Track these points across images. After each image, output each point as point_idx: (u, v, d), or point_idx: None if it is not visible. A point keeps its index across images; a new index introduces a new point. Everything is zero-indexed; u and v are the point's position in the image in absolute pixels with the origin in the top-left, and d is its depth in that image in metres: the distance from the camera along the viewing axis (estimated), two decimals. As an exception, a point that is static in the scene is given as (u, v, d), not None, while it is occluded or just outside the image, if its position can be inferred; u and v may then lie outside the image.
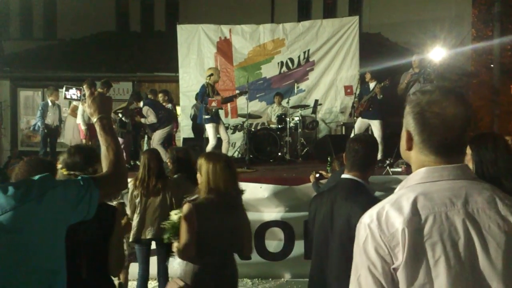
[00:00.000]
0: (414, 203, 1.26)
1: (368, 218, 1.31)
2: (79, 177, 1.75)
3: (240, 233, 3.10)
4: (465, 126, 1.33)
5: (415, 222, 1.23)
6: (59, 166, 2.62)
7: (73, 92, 2.25)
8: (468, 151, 2.50)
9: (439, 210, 1.24)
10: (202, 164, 3.05)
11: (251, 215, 5.97)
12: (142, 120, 8.59)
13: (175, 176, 4.83)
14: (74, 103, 9.04)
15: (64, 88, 2.26)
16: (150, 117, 8.46)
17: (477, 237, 1.22)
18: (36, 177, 1.63)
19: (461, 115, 1.31)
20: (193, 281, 2.95)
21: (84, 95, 2.06)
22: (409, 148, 1.39)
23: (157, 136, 8.55)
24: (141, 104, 8.75)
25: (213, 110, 7.66)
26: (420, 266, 1.21)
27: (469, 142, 2.55)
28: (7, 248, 1.47)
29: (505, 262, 1.21)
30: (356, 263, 1.31)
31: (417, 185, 1.32)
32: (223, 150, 7.95)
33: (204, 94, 7.79)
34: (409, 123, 1.37)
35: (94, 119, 1.98)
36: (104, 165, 1.92)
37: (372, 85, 8.20)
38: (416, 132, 1.35)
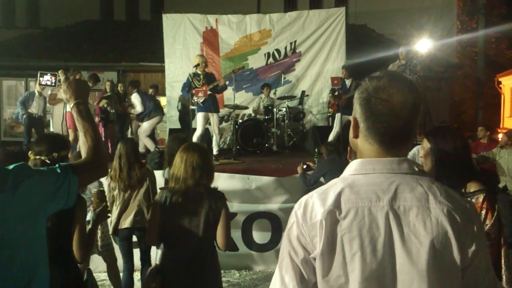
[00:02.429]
0: (339, 196, 1.23)
1: (297, 205, 1.30)
2: (57, 165, 1.71)
3: (212, 226, 3.04)
4: (413, 115, 1.27)
5: (335, 215, 1.21)
6: (30, 152, 2.68)
7: (47, 78, 2.20)
8: (426, 144, 2.50)
9: (362, 204, 1.21)
10: (177, 154, 3.13)
11: (238, 207, 6.01)
12: (132, 110, 8.56)
13: (167, 169, 4.77)
14: (50, 91, 8.90)
15: (38, 74, 2.21)
16: (137, 107, 8.45)
17: (399, 236, 1.19)
18: (11, 166, 1.58)
19: (409, 103, 1.26)
20: (165, 271, 3.05)
21: (59, 80, 1.99)
22: (355, 135, 1.34)
23: (143, 127, 8.50)
24: (134, 91, 8.67)
25: (201, 101, 7.56)
26: (336, 258, 1.20)
27: (426, 136, 2.54)
28: None
29: (429, 263, 1.18)
30: (282, 247, 1.30)
31: (349, 177, 1.29)
32: (213, 144, 7.92)
33: (189, 86, 7.69)
34: (356, 109, 1.33)
35: (71, 105, 1.94)
36: (83, 152, 1.88)
37: (348, 82, 8.24)
38: (362, 119, 1.30)
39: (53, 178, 1.64)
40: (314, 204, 1.25)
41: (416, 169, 1.34)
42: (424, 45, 9.07)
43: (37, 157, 2.64)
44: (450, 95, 16.31)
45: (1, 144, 13.08)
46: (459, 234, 1.20)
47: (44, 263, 1.64)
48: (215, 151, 7.83)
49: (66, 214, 2.66)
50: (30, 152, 2.70)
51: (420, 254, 1.18)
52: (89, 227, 3.03)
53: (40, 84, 2.21)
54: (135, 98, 8.52)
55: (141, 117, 8.61)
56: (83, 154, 1.87)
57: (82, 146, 1.89)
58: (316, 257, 1.21)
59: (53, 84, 2.17)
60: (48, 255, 1.68)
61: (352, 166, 1.32)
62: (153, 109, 8.71)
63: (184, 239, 3.02)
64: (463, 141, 2.47)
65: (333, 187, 1.27)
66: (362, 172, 1.29)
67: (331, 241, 1.20)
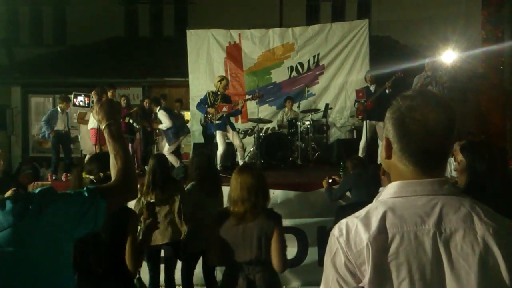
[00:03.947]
0: (383, 220, 1.19)
1: (337, 231, 1.25)
2: (84, 188, 1.68)
3: (265, 247, 3.05)
4: (448, 134, 1.25)
5: (381, 241, 1.17)
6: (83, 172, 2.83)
7: (81, 99, 2.24)
8: (462, 159, 2.43)
9: (408, 229, 1.18)
10: (232, 176, 3.22)
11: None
12: (160, 126, 8.56)
13: (191, 184, 4.78)
14: (80, 110, 9.04)
15: (72, 95, 2.24)
16: (165, 123, 8.42)
17: (447, 259, 1.15)
18: (37, 190, 1.56)
19: (444, 122, 1.23)
20: None
21: (92, 101, 2.01)
22: (388, 156, 1.31)
23: (167, 145, 8.51)
24: (157, 109, 8.70)
25: (218, 118, 7.65)
26: (385, 285, 1.16)
27: (461, 150, 2.48)
28: (8, 265, 1.42)
29: (479, 286, 1.13)
30: (326, 275, 1.26)
31: (389, 200, 1.25)
32: (239, 158, 7.95)
33: (205, 103, 7.80)
34: (388, 129, 1.30)
35: (103, 126, 1.93)
36: (113, 174, 1.87)
37: (372, 87, 8.22)
38: (395, 139, 1.27)
39: (79, 202, 1.62)
40: (358, 229, 1.21)
41: None
42: (449, 56, 8.97)
43: (88, 176, 2.79)
44: (476, 106, 16.03)
45: (30, 160, 13.34)
46: (507, 254, 1.16)
47: (69, 287, 1.62)
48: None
49: (120, 229, 2.83)
50: (83, 171, 2.83)
51: (470, 278, 1.15)
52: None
53: (74, 105, 2.25)
54: (162, 115, 8.50)
55: (171, 133, 8.53)
56: (113, 176, 1.86)
57: (112, 168, 1.87)
58: (365, 286, 1.18)
59: (86, 105, 2.21)
60: (85, 263, 1.68)
61: (392, 189, 1.28)
62: (180, 129, 8.73)
63: (240, 260, 3.08)
64: (500, 158, 2.38)
65: (374, 211, 1.23)
66: (403, 195, 1.25)
67: (378, 268, 1.16)
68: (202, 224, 4.41)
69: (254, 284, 3.03)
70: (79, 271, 2.70)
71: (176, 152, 9.03)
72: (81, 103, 2.22)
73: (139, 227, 3.28)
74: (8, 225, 1.43)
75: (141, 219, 3.38)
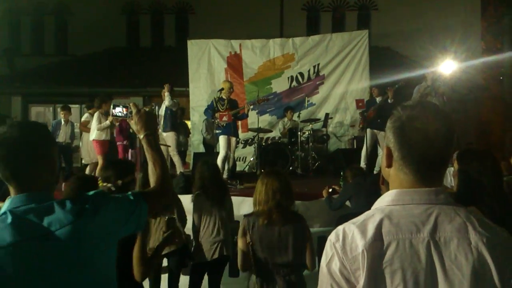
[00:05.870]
0: (379, 227, 1.21)
1: (334, 237, 1.27)
2: (129, 192, 1.81)
3: (299, 247, 3.20)
4: (447, 144, 1.27)
5: (376, 247, 1.19)
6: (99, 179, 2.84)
7: (119, 110, 2.34)
8: (455, 165, 2.47)
9: (403, 236, 1.20)
10: (258, 179, 3.40)
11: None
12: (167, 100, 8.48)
13: (196, 193, 4.75)
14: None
15: (111, 106, 2.35)
16: (169, 102, 8.44)
17: (441, 268, 1.17)
18: (91, 192, 1.68)
19: (443, 132, 1.26)
20: None
21: (130, 112, 2.12)
22: (389, 165, 1.33)
23: (171, 141, 8.43)
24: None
25: (223, 124, 7.67)
26: None
27: (456, 157, 2.54)
28: (63, 261, 1.51)
29: None
30: (321, 280, 1.28)
31: (387, 207, 1.27)
32: (225, 168, 7.94)
33: (213, 109, 7.80)
34: (389, 138, 1.32)
35: (141, 136, 2.05)
36: (152, 181, 1.98)
37: (378, 99, 8.25)
38: (396, 148, 1.29)
39: (126, 205, 1.73)
40: (354, 235, 1.23)
41: None
42: (448, 66, 9.00)
43: (104, 184, 2.83)
44: (476, 117, 16.07)
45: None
46: (499, 264, 1.18)
47: (114, 285, 1.73)
48: (225, 176, 7.83)
49: (128, 236, 2.81)
50: (99, 179, 2.83)
51: (462, 286, 1.16)
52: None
53: (112, 115, 2.34)
54: (174, 103, 8.52)
55: (168, 118, 8.50)
56: (152, 183, 1.98)
57: (151, 175, 1.99)
58: None
59: (123, 115, 2.30)
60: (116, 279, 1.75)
61: (389, 197, 1.30)
62: (178, 125, 8.68)
63: (277, 262, 3.19)
64: (491, 165, 2.40)
65: (371, 218, 1.25)
66: (400, 203, 1.27)
67: (373, 274, 1.18)
68: (209, 234, 4.42)
69: (294, 284, 3.15)
70: None
71: (182, 159, 8.96)
72: (119, 114, 2.31)
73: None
74: (68, 222, 1.52)
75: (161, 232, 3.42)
